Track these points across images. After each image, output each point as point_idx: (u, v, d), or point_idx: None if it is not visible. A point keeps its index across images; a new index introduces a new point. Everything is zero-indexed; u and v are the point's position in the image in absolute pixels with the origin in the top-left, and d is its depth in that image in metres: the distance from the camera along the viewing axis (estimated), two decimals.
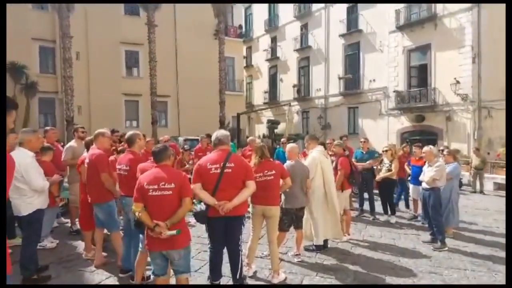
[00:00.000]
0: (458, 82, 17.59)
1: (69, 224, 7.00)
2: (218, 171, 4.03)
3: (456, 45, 17.87)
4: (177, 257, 3.52)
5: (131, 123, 23.52)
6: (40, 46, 22.04)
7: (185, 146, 9.63)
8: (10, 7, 20.40)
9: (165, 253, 3.52)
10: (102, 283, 4.57)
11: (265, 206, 4.69)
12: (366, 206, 8.52)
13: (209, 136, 9.34)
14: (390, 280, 4.80)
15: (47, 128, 7.35)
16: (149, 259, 4.27)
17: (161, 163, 3.62)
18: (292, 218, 5.35)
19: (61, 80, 20.30)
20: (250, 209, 4.86)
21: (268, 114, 30.17)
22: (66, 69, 18.59)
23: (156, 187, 3.44)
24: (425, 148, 6.56)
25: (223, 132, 4.36)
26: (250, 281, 4.59)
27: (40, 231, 4.85)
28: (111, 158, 5.31)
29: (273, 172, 4.71)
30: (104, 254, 5.29)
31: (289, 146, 5.80)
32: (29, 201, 4.49)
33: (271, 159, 5.04)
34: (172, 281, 3.98)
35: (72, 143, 6.92)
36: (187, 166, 8.40)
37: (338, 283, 4.70)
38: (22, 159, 4.37)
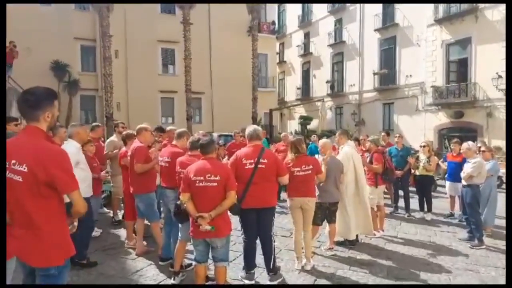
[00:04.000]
0: (500, 76, 16.82)
1: (111, 215, 7.39)
2: (253, 166, 4.23)
3: (498, 38, 17.02)
4: (220, 244, 3.72)
5: (167, 120, 24.13)
6: (81, 45, 23.02)
7: (220, 142, 9.88)
8: (54, 9, 21.56)
9: (209, 241, 3.73)
10: (143, 270, 4.84)
11: (303, 198, 4.84)
12: (401, 203, 8.42)
13: (243, 130, 9.54)
14: (425, 276, 4.78)
15: (98, 124, 7.79)
16: (187, 247, 4.52)
17: (208, 156, 3.77)
18: (325, 213, 5.43)
19: (101, 78, 21.13)
20: (288, 204, 5.04)
21: (300, 110, 30.08)
22: (106, 67, 19.29)
23: (202, 178, 3.60)
24: (465, 145, 6.43)
25: (256, 127, 4.56)
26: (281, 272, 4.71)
27: (89, 218, 5.14)
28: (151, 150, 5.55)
29: (311, 166, 4.86)
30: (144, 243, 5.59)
31: (322, 141, 5.89)
32: None
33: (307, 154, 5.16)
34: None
35: (113, 137, 7.31)
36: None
37: (371, 277, 4.73)
38: (68, 149, 4.72)
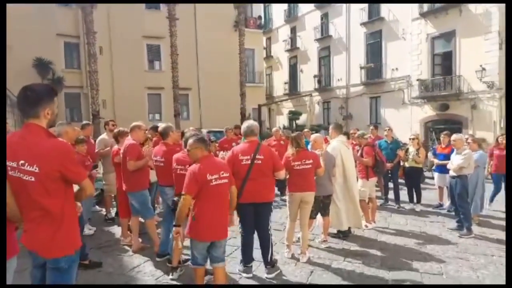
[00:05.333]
0: (484, 69, 17.18)
1: (104, 212, 7.36)
2: (249, 162, 4.27)
3: (482, 31, 17.41)
4: (224, 243, 3.73)
5: (154, 116, 23.92)
6: (65, 42, 22.56)
7: (212, 138, 9.83)
8: (35, 5, 21.09)
9: (212, 242, 3.63)
10: (141, 266, 4.85)
11: (304, 193, 4.95)
12: (391, 195, 8.58)
13: (237, 127, 9.64)
14: (418, 265, 4.90)
15: (88, 122, 7.71)
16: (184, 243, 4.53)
17: (207, 152, 3.68)
18: (319, 206, 5.51)
19: (86, 75, 20.81)
20: (287, 198, 5.13)
21: (288, 105, 30.17)
22: (91, 64, 19.00)
23: (217, 176, 3.49)
24: (455, 136, 6.55)
25: (253, 123, 4.56)
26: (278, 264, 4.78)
27: (80, 217, 5.12)
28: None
29: (311, 161, 4.95)
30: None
31: (314, 136, 5.95)
32: None
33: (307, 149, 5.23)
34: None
35: (104, 135, 7.26)
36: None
37: (365, 267, 4.83)
38: None
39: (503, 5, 16.45)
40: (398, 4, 21.21)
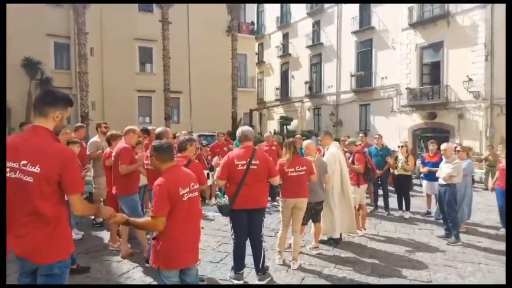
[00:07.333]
0: (470, 79, 17.51)
1: (92, 217, 7.24)
2: (245, 167, 4.26)
3: (469, 42, 17.78)
4: (197, 267, 3.33)
5: (144, 119, 23.77)
6: (55, 42, 22.29)
7: (203, 142, 9.81)
8: (25, 3, 20.80)
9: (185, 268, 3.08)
10: (130, 272, 4.79)
11: (297, 199, 4.96)
12: (380, 202, 8.66)
13: (229, 133, 9.69)
14: (407, 272, 4.95)
15: (82, 124, 7.63)
16: None
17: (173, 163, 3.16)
18: (311, 212, 5.53)
19: (76, 76, 20.58)
20: (280, 204, 5.16)
21: (279, 111, 30.29)
22: (81, 65, 18.85)
23: (188, 190, 2.98)
24: (445, 145, 6.65)
25: (248, 128, 4.57)
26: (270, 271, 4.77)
27: None
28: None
29: (304, 167, 4.97)
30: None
31: (306, 142, 5.98)
32: None
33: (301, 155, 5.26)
34: None
35: (96, 138, 7.16)
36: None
37: (356, 274, 4.86)
38: None
39: (489, 18, 16.89)
40: (389, 12, 21.56)
